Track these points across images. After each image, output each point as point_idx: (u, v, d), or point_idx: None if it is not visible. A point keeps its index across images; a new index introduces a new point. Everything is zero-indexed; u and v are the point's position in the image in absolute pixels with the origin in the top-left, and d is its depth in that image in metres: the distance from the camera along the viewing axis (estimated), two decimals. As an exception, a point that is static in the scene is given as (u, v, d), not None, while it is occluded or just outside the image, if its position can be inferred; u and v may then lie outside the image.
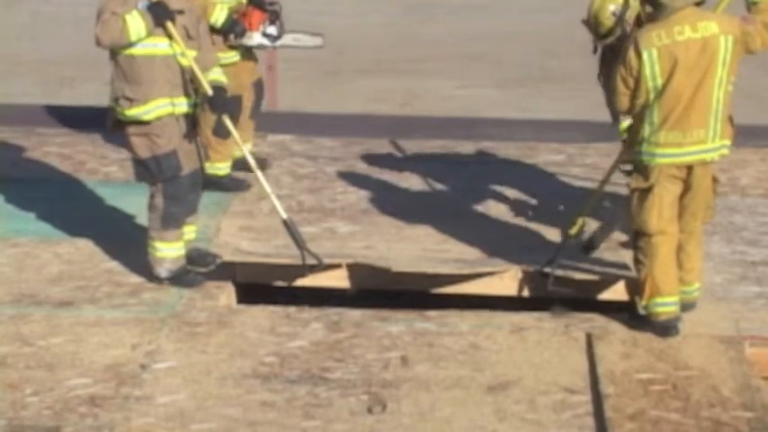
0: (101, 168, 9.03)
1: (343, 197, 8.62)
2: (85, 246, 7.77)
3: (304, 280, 7.47)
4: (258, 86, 8.92)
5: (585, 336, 6.73)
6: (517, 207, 8.38)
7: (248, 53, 8.75)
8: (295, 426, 5.95)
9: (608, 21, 7.17)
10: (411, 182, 8.87)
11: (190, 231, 7.39)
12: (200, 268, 7.35)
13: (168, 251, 7.21)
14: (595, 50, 7.37)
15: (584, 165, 9.13)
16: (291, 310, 7.04)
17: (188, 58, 6.96)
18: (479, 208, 8.38)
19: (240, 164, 8.40)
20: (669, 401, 6.11)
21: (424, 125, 10.00)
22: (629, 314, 6.96)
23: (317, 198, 8.56)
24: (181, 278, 7.25)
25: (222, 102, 7.05)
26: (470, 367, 6.45)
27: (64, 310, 6.98)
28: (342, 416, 6.04)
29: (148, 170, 7.07)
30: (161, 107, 6.95)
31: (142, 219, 8.10)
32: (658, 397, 6.15)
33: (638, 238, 6.68)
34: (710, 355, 6.53)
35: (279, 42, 8.78)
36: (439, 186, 8.77)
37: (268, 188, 7.36)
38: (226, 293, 7.31)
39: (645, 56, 6.32)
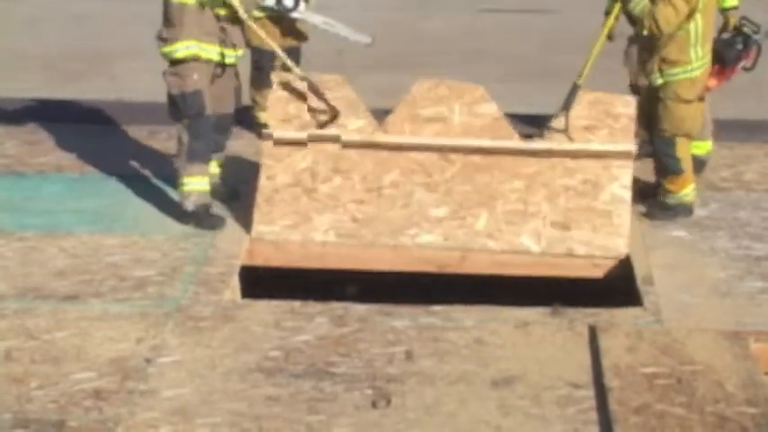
0: (105, 162, 9.02)
1: (348, 192, 8.60)
2: (90, 240, 7.78)
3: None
4: (289, 55, 9.18)
5: (590, 329, 6.73)
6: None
7: (277, 18, 9.15)
8: (299, 420, 5.95)
9: None
10: (416, 177, 8.85)
11: (213, 166, 8.08)
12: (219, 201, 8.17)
13: (194, 185, 7.84)
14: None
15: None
16: (296, 304, 7.04)
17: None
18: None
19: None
20: (674, 396, 6.11)
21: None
22: (654, 205, 8.15)
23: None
24: (204, 220, 7.86)
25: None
26: (475, 362, 6.46)
27: (69, 304, 6.99)
28: (346, 410, 6.04)
29: (176, 106, 7.77)
30: (190, 48, 7.67)
31: (147, 213, 8.14)
32: (663, 391, 6.15)
33: (677, 142, 7.93)
34: (715, 350, 6.53)
35: (298, 15, 9.14)
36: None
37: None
38: (230, 288, 7.31)
39: None
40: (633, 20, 7.93)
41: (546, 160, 7.81)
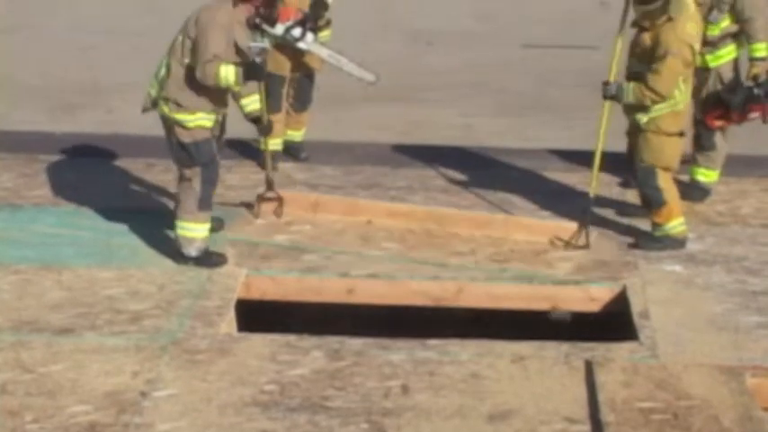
0: (101, 195, 9.01)
1: (344, 225, 8.62)
2: (86, 273, 7.77)
3: None
4: (300, 83, 9.51)
5: (586, 364, 6.72)
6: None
7: (284, 46, 9.15)
8: (295, 454, 5.94)
9: None
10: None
11: None
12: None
13: (200, 231, 7.80)
14: None
15: (586, 193, 9.12)
16: (292, 338, 7.03)
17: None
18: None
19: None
20: (670, 431, 6.10)
21: (425, 154, 10.01)
22: (645, 240, 8.16)
23: (318, 226, 8.57)
24: (205, 260, 7.79)
25: (264, 130, 8.25)
26: (471, 396, 6.45)
27: (64, 337, 6.98)
28: (342, 444, 6.03)
29: (189, 154, 7.70)
30: (203, 119, 7.67)
31: (143, 246, 8.13)
32: (659, 426, 6.14)
33: (658, 173, 8.03)
34: (712, 384, 6.52)
35: (304, 46, 9.16)
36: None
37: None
38: (226, 321, 7.30)
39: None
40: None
41: None
